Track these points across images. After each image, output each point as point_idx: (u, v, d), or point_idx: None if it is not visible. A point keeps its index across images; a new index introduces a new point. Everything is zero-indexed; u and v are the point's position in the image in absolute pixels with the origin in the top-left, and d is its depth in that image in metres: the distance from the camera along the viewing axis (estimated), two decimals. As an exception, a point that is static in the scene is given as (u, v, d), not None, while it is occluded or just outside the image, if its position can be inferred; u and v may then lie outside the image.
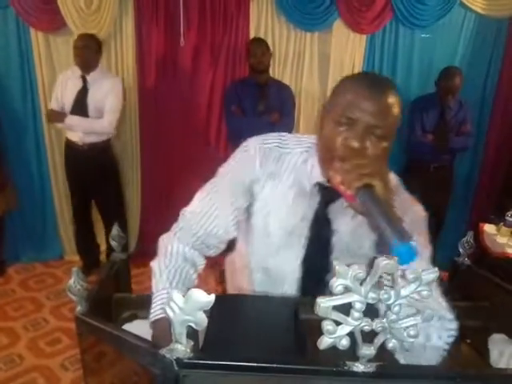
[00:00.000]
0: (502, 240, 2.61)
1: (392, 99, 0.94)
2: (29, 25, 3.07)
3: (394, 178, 1.07)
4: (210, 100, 3.38)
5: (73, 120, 2.95)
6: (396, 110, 0.94)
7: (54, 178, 3.41)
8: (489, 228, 2.76)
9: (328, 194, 1.05)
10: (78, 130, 2.99)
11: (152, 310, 0.99)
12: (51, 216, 3.52)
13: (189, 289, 1.04)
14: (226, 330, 1.05)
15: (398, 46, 3.41)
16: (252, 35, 3.28)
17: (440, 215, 3.43)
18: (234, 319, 1.10)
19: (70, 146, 3.10)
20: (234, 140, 3.06)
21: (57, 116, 2.99)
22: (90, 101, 2.97)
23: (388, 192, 0.89)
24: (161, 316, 0.96)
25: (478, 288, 1.23)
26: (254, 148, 1.09)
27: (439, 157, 3.23)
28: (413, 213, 1.03)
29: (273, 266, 1.15)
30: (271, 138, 1.11)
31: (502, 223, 2.67)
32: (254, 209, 1.12)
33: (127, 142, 3.41)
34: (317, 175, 1.05)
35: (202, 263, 1.12)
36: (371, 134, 0.93)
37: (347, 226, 1.07)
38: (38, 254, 3.51)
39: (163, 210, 3.44)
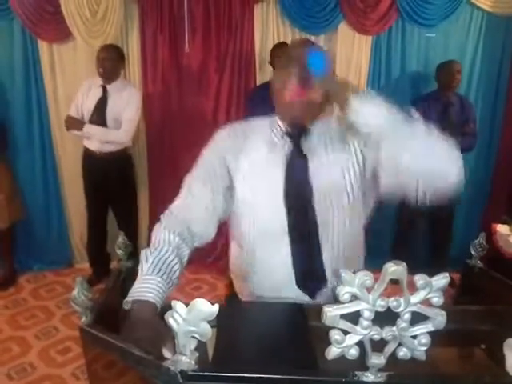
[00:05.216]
0: (515, 240, 2.56)
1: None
2: (35, 35, 3.09)
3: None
4: (216, 106, 3.37)
5: (90, 129, 2.96)
6: None
7: (62, 186, 3.43)
8: (502, 228, 2.70)
9: (295, 135, 1.21)
10: (95, 139, 3.00)
11: (134, 289, 1.02)
12: (60, 224, 3.54)
13: (171, 279, 1.07)
14: (235, 339, 1.03)
15: (405, 45, 3.37)
16: (257, 40, 3.28)
17: (448, 218, 3.37)
18: (243, 328, 1.09)
19: (87, 154, 3.11)
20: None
21: (76, 123, 2.99)
22: (109, 111, 2.99)
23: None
24: (143, 298, 0.99)
25: (491, 291, 1.20)
26: (222, 129, 1.31)
27: None
28: None
29: (262, 228, 1.25)
30: (238, 122, 1.34)
31: (515, 223, 2.62)
32: (235, 184, 1.25)
33: (134, 150, 3.41)
34: (280, 126, 1.23)
35: (186, 253, 1.16)
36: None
37: (321, 157, 1.21)
38: (49, 263, 3.51)
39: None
